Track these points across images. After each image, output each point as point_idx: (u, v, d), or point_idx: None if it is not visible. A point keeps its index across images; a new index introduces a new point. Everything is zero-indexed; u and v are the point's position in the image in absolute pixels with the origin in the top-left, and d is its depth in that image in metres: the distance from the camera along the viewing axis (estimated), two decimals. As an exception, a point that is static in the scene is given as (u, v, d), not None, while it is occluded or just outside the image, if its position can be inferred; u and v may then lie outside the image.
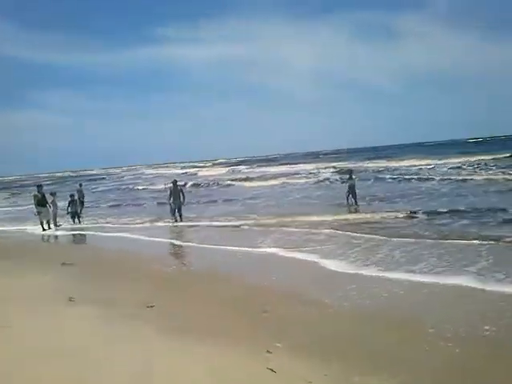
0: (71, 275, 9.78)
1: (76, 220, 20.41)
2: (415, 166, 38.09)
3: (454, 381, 4.68)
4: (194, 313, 6.96)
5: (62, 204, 21.08)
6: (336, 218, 15.57)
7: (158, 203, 25.42)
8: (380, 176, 31.73)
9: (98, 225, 19.55)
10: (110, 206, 27.78)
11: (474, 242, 10.45)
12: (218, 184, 38.27)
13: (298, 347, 5.45)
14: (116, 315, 6.76)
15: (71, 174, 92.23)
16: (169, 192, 19.03)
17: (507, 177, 24.26)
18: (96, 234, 17.24)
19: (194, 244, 13.59)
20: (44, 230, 18.78)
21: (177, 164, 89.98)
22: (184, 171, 63.46)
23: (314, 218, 15.66)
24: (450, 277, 7.96)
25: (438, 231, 12.15)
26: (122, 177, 69.78)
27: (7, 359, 5.12)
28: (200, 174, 57.67)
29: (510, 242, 10.22)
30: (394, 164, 42.90)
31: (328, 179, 33.25)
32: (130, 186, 44.63)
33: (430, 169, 34.50)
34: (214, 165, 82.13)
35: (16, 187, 63.43)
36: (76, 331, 6.12)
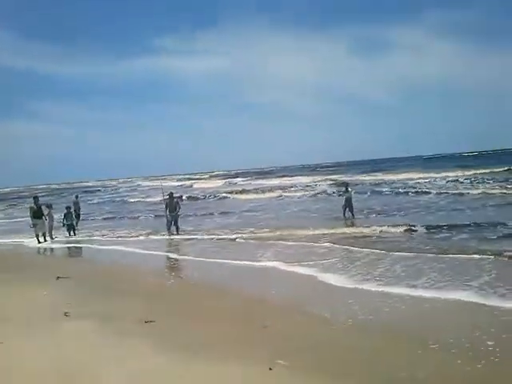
0: (66, 289, 9.63)
1: (72, 232, 20.23)
2: (412, 179, 38.13)
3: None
4: (192, 328, 6.84)
5: (58, 216, 20.92)
6: (334, 231, 15.49)
7: (154, 216, 25.27)
8: (377, 189, 31.72)
9: (93, 237, 19.38)
10: (106, 219, 27.59)
11: (475, 256, 10.39)
12: (214, 196, 38.18)
13: (300, 364, 5.33)
14: (113, 330, 6.64)
15: (66, 186, 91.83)
16: (165, 204, 18.94)
17: (504, 191, 24.32)
18: (92, 246, 17.08)
19: (190, 257, 13.47)
20: (39, 242, 18.57)
21: (173, 176, 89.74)
22: (180, 183, 63.30)
23: (312, 232, 15.57)
24: (451, 292, 7.89)
25: (438, 245, 12.10)
26: (118, 189, 69.54)
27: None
28: (196, 186, 57.58)
29: (510, 256, 10.14)
30: (390, 177, 42.97)
31: (325, 191, 33.22)
32: (125, 199, 44.45)
33: (426, 182, 34.53)
34: (210, 177, 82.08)
35: (13, 198, 63.06)
36: (71, 348, 5.98)
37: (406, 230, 14.65)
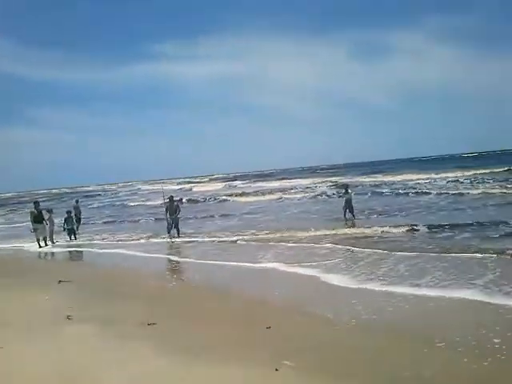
0: (68, 293, 9.57)
1: (72, 237, 20.18)
2: (412, 180, 38.12)
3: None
4: (193, 330, 6.78)
5: (58, 221, 20.87)
6: (335, 232, 15.45)
7: (155, 219, 25.21)
8: (377, 190, 31.70)
9: (94, 241, 19.31)
10: (106, 223, 27.52)
11: (477, 255, 10.36)
12: (214, 199, 38.12)
13: (304, 365, 5.28)
14: (114, 333, 6.59)
15: (67, 191, 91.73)
16: (165, 208, 18.92)
17: (505, 190, 24.31)
18: (92, 250, 17.02)
19: (191, 260, 13.41)
20: (40, 246, 18.53)
21: (173, 180, 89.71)
22: (180, 187, 63.25)
23: (314, 233, 15.54)
24: (455, 290, 7.84)
25: (440, 245, 12.06)
26: (118, 193, 69.47)
27: None
28: (195, 189, 57.50)
29: (513, 254, 10.11)
30: (390, 178, 42.94)
31: (325, 193, 33.18)
32: (126, 202, 44.38)
33: (426, 183, 34.49)
34: (210, 180, 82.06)
35: (13, 204, 63.01)
36: (72, 352, 5.93)
37: (407, 230, 14.62)
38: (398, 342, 5.88)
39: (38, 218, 18.90)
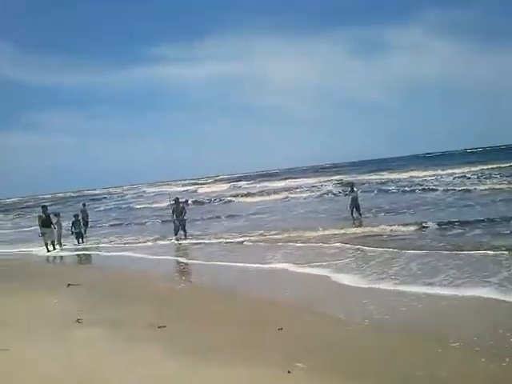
0: (77, 296, 9.55)
1: (80, 240, 20.20)
2: (418, 177, 37.87)
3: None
4: (202, 332, 6.72)
5: (66, 224, 20.91)
6: (344, 231, 15.34)
7: (161, 221, 25.20)
8: (383, 188, 31.54)
9: (102, 244, 19.35)
10: (113, 225, 27.58)
11: (490, 252, 10.23)
12: (220, 200, 38.06)
13: (317, 365, 5.21)
14: (123, 336, 6.56)
15: (72, 195, 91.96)
16: (172, 210, 18.90)
17: (512, 185, 24.07)
18: (101, 253, 17.05)
19: (199, 261, 13.37)
20: (49, 251, 18.56)
21: (178, 181, 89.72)
22: (185, 188, 63.24)
23: (322, 233, 15.42)
24: (469, 289, 7.73)
25: (452, 242, 11.93)
26: (124, 196, 69.57)
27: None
28: (200, 190, 57.46)
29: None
30: (396, 176, 42.65)
31: (331, 192, 33.05)
32: (132, 205, 44.43)
33: (433, 179, 34.26)
34: (215, 181, 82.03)
35: (20, 208, 63.32)
36: (81, 355, 5.90)
37: (417, 228, 14.47)
38: (411, 342, 5.80)
39: (46, 222, 18.92)
